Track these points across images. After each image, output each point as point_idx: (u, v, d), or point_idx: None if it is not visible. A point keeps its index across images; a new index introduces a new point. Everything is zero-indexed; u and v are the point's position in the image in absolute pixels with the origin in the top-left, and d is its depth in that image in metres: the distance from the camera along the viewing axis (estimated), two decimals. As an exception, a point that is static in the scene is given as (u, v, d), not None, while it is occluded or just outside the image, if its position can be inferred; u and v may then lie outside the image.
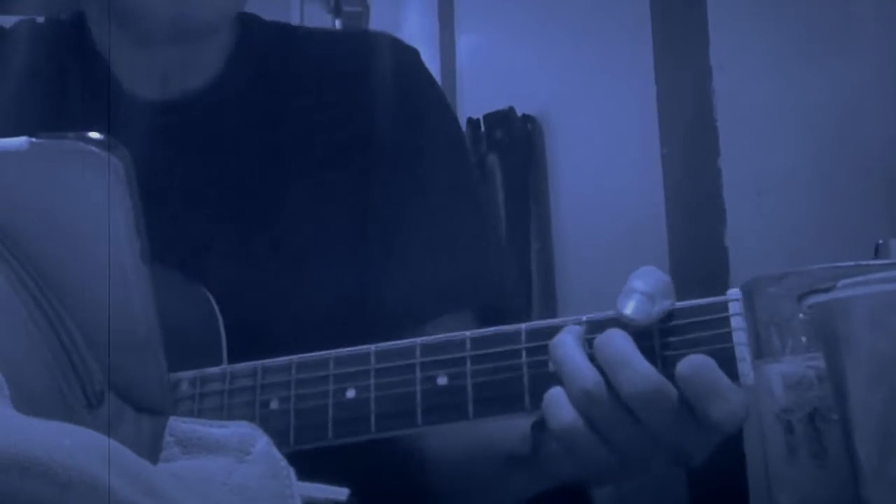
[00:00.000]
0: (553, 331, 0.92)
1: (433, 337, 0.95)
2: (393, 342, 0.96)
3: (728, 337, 0.84)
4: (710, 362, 0.85)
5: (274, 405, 0.96)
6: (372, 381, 0.95)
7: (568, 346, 0.90)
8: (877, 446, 0.57)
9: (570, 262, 2.71)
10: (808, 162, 1.80)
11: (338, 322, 1.17)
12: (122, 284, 0.60)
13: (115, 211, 0.57)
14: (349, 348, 0.97)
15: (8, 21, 1.36)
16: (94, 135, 0.56)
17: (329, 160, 1.25)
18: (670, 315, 0.89)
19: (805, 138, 1.81)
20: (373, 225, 1.24)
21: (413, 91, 1.31)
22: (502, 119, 2.89)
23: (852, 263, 0.63)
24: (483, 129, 2.97)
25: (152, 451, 0.64)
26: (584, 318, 0.92)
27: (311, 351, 0.98)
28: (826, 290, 0.59)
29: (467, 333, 0.95)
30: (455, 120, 1.35)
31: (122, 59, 1.25)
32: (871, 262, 0.63)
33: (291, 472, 0.65)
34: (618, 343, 0.88)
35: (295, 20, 3.74)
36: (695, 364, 0.85)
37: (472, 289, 1.23)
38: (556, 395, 0.89)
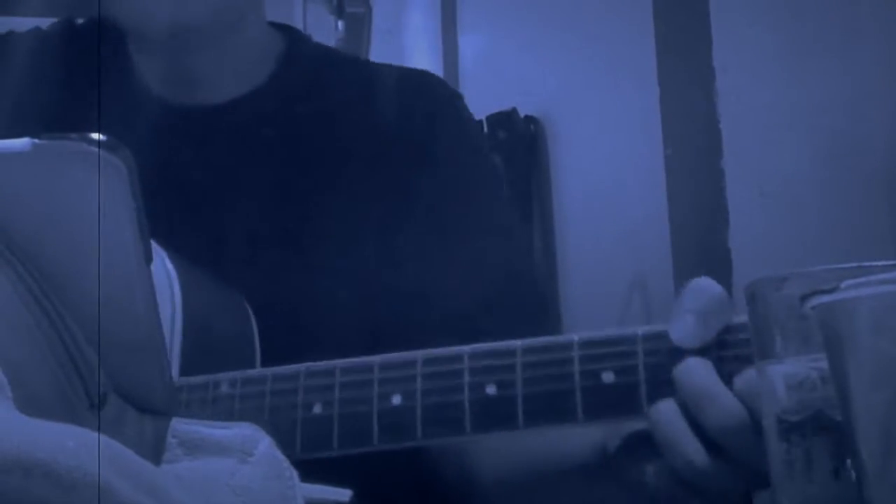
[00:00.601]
0: (607, 343, 0.90)
1: (481, 345, 0.93)
2: (440, 349, 0.94)
3: None
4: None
5: (317, 409, 0.94)
6: (418, 387, 0.93)
7: (674, 418, 0.86)
8: (880, 447, 0.57)
9: (573, 263, 2.71)
10: (811, 163, 1.80)
11: (367, 335, 1.16)
12: (125, 286, 0.60)
13: (117, 212, 0.57)
14: (395, 353, 0.95)
15: (37, 23, 1.37)
16: (97, 136, 0.56)
17: (363, 182, 1.24)
18: (738, 328, 0.87)
19: (808, 139, 1.81)
20: (407, 250, 1.23)
21: (455, 132, 1.30)
22: (505, 120, 2.89)
23: (855, 265, 0.63)
24: (486, 130, 2.97)
25: (155, 452, 0.64)
26: (639, 332, 0.89)
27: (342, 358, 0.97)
28: (829, 292, 0.59)
29: (518, 343, 0.92)
30: (494, 165, 1.35)
31: (150, 63, 1.26)
32: (875, 264, 0.63)
33: (294, 473, 0.65)
34: (698, 377, 0.85)
35: (298, 20, 3.74)
36: (748, 382, 0.82)
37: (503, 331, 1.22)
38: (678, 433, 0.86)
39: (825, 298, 0.59)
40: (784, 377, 0.67)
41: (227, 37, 1.24)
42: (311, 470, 0.69)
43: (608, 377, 0.89)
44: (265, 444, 0.65)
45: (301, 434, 0.94)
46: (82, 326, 0.61)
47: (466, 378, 0.92)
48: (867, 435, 0.57)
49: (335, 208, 1.24)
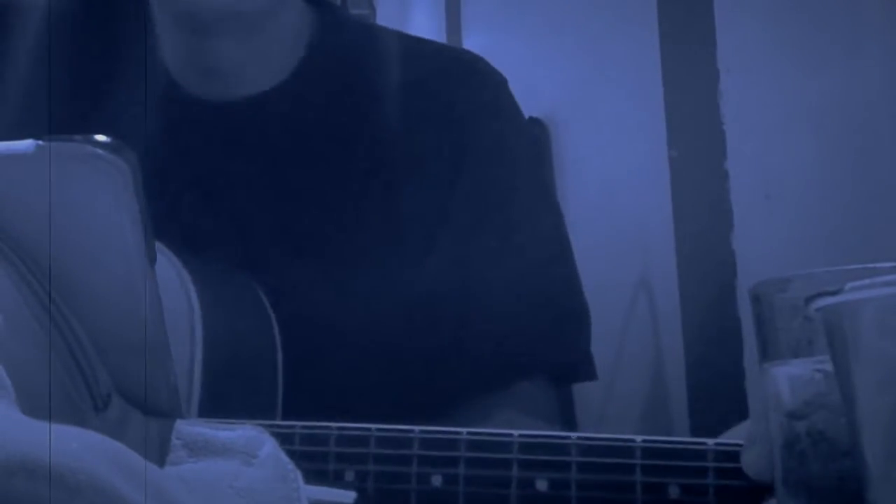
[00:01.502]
0: (673, 452, 0.83)
1: (533, 433, 0.86)
2: (488, 430, 0.87)
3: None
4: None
5: (349, 477, 0.87)
6: (461, 471, 0.86)
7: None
8: (884, 449, 0.57)
9: (578, 265, 2.70)
10: (815, 165, 1.80)
11: (397, 348, 1.13)
12: (130, 288, 0.60)
13: (121, 213, 0.57)
14: (437, 428, 0.88)
15: None
16: (101, 137, 0.56)
17: (396, 177, 1.19)
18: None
19: (813, 141, 1.81)
20: (444, 253, 1.17)
21: (498, 120, 1.24)
22: (509, 122, 2.89)
23: (860, 266, 0.63)
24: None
25: (160, 454, 0.64)
26: (710, 444, 0.82)
27: (366, 370, 0.92)
28: (834, 293, 0.59)
29: (573, 436, 0.85)
30: (539, 154, 1.27)
31: (176, 54, 1.20)
32: (880, 265, 0.63)
33: (299, 475, 0.65)
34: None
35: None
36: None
37: (553, 350, 1.16)
38: None
39: (830, 300, 0.59)
40: (789, 379, 0.66)
41: (258, 25, 1.18)
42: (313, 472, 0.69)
43: (674, 492, 0.82)
44: (269, 445, 0.65)
45: None
46: (86, 328, 0.61)
47: (515, 471, 0.85)
48: (871, 437, 0.57)
49: (365, 209, 1.18)
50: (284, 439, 0.89)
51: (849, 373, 0.58)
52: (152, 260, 0.60)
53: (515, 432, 0.86)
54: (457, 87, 1.23)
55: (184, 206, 1.15)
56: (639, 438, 0.84)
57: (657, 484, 0.82)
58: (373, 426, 0.88)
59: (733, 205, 1.96)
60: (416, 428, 0.87)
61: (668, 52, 2.21)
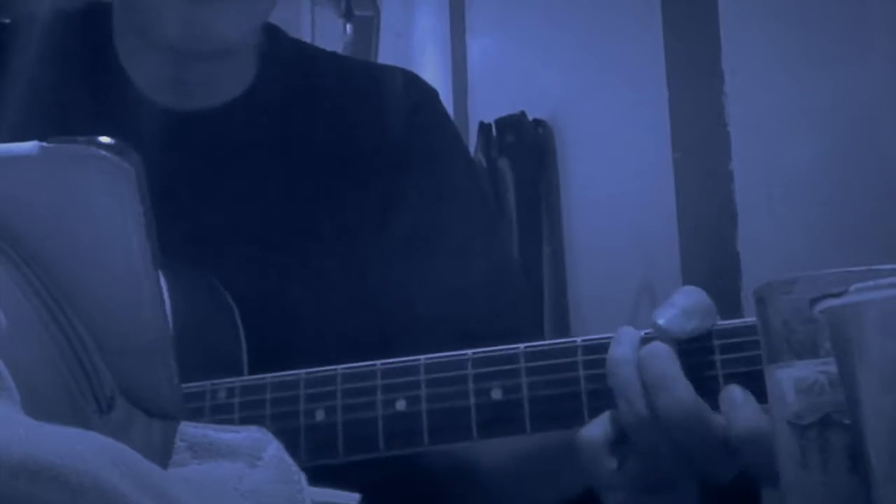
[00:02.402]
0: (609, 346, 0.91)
1: (485, 349, 0.94)
2: (442, 353, 0.94)
3: None
4: (764, 429, 0.84)
5: (320, 417, 0.94)
6: (423, 392, 0.93)
7: (629, 364, 0.89)
8: (888, 451, 0.57)
9: (582, 266, 2.71)
10: (820, 166, 1.80)
11: (356, 341, 1.16)
12: (133, 289, 0.60)
13: (125, 216, 0.57)
14: (397, 359, 0.95)
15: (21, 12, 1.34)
16: (105, 139, 0.56)
17: (347, 182, 1.25)
18: (728, 331, 0.90)
19: (817, 142, 1.81)
20: (393, 249, 1.23)
21: (432, 125, 1.31)
22: (514, 123, 2.89)
23: (864, 268, 0.63)
24: (494, 133, 2.97)
25: (163, 455, 0.64)
26: (642, 333, 0.91)
27: (326, 363, 0.96)
28: (838, 295, 0.59)
29: (521, 346, 0.93)
30: (472, 160, 1.35)
31: (141, 66, 1.24)
32: (884, 267, 0.63)
33: (303, 477, 0.65)
34: (661, 362, 0.88)
35: (306, 24, 3.74)
36: (754, 432, 0.85)
37: (492, 327, 1.20)
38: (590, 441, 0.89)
39: (834, 302, 0.59)
40: (793, 381, 0.66)
41: (238, 50, 1.23)
42: (317, 474, 0.69)
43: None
44: (274, 447, 0.65)
45: (305, 442, 0.93)
46: (90, 330, 0.61)
47: (471, 384, 0.92)
48: (876, 438, 0.57)
49: (320, 210, 1.23)
50: (258, 389, 0.95)
51: (853, 374, 0.58)
52: (156, 262, 0.60)
53: (469, 351, 0.93)
54: (391, 98, 1.30)
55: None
56: (580, 339, 0.92)
57: (600, 375, 0.90)
58: (339, 367, 0.95)
59: (738, 206, 1.96)
60: (379, 362, 0.94)
61: (673, 54, 2.21)
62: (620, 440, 0.89)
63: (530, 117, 2.86)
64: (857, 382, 0.58)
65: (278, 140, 1.25)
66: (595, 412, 0.90)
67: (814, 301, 0.61)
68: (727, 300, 1.89)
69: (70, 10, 1.30)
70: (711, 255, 2.01)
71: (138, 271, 0.59)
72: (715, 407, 0.87)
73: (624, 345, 0.90)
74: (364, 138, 1.27)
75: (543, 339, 1.20)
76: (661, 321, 0.89)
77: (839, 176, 1.76)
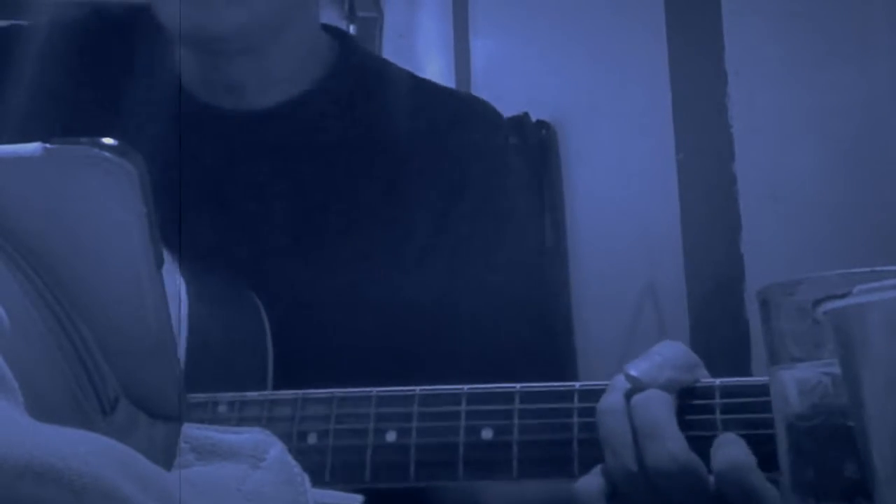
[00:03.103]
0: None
1: (481, 385, 0.92)
2: (439, 386, 0.92)
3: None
4: (749, 463, 0.82)
5: (312, 440, 0.93)
6: (414, 425, 0.91)
7: (619, 413, 0.86)
8: (892, 452, 0.57)
9: (585, 268, 2.70)
10: (824, 168, 1.79)
11: (388, 359, 1.16)
12: (136, 291, 0.60)
13: (128, 217, 0.57)
14: (393, 388, 0.93)
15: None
16: (108, 140, 0.56)
17: (395, 198, 1.25)
18: (733, 389, 0.87)
19: (821, 144, 1.81)
20: (434, 272, 1.23)
21: (494, 164, 1.31)
22: (517, 125, 2.89)
23: (868, 269, 0.63)
24: (498, 134, 2.96)
25: (166, 457, 0.64)
26: (633, 372, 0.88)
27: (357, 377, 0.96)
28: (842, 297, 0.59)
29: (517, 386, 0.91)
30: (527, 192, 1.35)
31: (191, 64, 1.25)
32: (887, 269, 0.63)
33: (306, 478, 0.65)
34: (653, 408, 0.85)
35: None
36: (734, 463, 0.83)
37: (532, 364, 1.21)
38: (587, 493, 0.86)
39: (838, 303, 0.59)
40: (796, 382, 0.66)
41: (268, 42, 1.23)
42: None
43: None
44: (277, 449, 0.65)
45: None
46: (93, 331, 0.61)
47: (463, 420, 0.90)
48: (879, 440, 0.57)
49: (367, 221, 1.23)
50: (257, 405, 0.95)
51: (857, 376, 0.58)
52: (159, 263, 0.60)
53: (465, 386, 0.91)
54: (459, 121, 1.30)
55: (191, 211, 1.18)
56: (577, 384, 0.90)
57: (592, 424, 0.87)
58: (336, 390, 0.94)
59: (741, 208, 1.95)
60: (374, 389, 0.93)
61: (676, 54, 2.21)
62: (615, 493, 0.86)
63: (533, 118, 2.86)
64: (860, 384, 0.58)
65: (330, 147, 1.25)
66: (586, 462, 0.88)
67: (817, 302, 0.61)
68: (730, 302, 1.89)
69: (129, 14, 1.31)
70: (715, 257, 2.01)
71: (141, 272, 0.59)
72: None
73: (615, 392, 0.87)
74: (419, 158, 1.26)
75: (575, 365, 1.19)
76: (632, 371, 0.87)
77: (843, 178, 1.76)
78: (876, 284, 0.58)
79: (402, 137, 1.27)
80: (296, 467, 0.65)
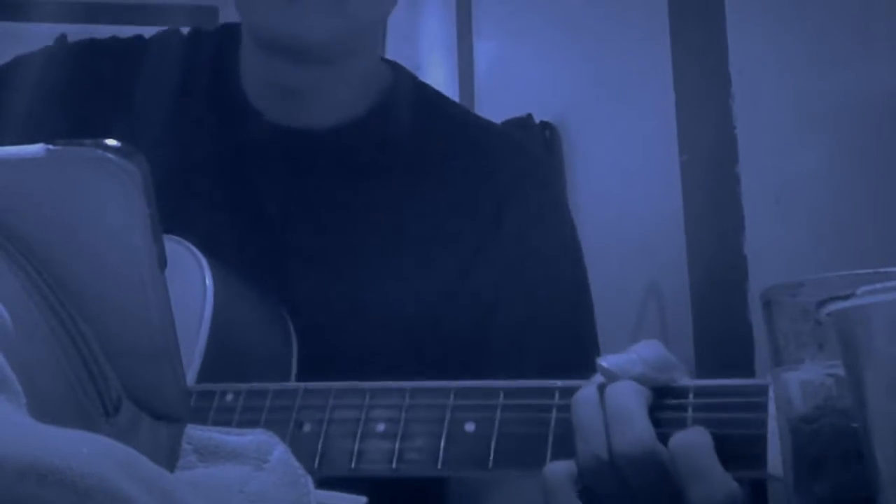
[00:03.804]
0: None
1: (468, 382, 0.95)
2: (430, 381, 0.96)
3: (762, 423, 0.83)
4: (703, 442, 0.83)
5: (307, 428, 0.96)
6: (402, 416, 0.94)
7: (592, 404, 0.88)
8: (895, 454, 0.57)
9: (589, 269, 2.70)
10: (827, 168, 1.79)
11: (417, 371, 1.18)
12: (139, 292, 0.60)
13: (131, 218, 0.57)
14: (386, 382, 0.97)
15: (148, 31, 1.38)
16: (112, 142, 0.56)
17: (436, 227, 1.28)
18: (711, 390, 0.88)
19: (825, 145, 1.81)
20: (475, 286, 1.26)
21: (536, 200, 1.33)
22: (520, 126, 2.89)
23: (872, 271, 0.63)
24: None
25: (169, 458, 0.64)
26: (604, 363, 0.90)
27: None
28: (845, 298, 0.59)
29: (502, 383, 0.94)
30: (568, 233, 1.36)
31: (256, 81, 1.29)
32: (891, 270, 0.63)
33: (309, 480, 0.65)
34: (623, 397, 0.87)
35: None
36: (687, 442, 0.84)
37: None
38: (555, 475, 0.88)
39: (841, 305, 0.59)
40: (800, 384, 0.66)
41: (343, 61, 1.26)
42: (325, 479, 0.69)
43: None
44: (280, 450, 0.65)
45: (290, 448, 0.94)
46: (96, 332, 0.61)
47: (448, 413, 0.93)
48: (883, 441, 0.57)
49: (402, 248, 1.27)
50: (261, 395, 0.97)
51: (860, 377, 0.58)
52: (162, 265, 0.60)
53: (453, 383, 0.95)
54: (505, 156, 1.34)
55: (235, 224, 1.22)
56: (559, 382, 0.92)
57: (568, 419, 0.89)
58: (334, 383, 0.97)
59: (745, 209, 1.95)
60: (368, 384, 0.96)
61: (680, 55, 2.21)
62: (584, 486, 0.88)
63: (537, 120, 2.86)
64: (863, 385, 0.58)
65: (380, 172, 1.29)
66: (560, 456, 0.89)
67: (821, 304, 0.61)
68: (734, 303, 1.89)
69: (203, 31, 1.34)
70: (718, 258, 2.01)
71: (144, 273, 0.59)
72: None
73: (590, 385, 0.89)
74: (464, 190, 1.29)
75: None
76: (604, 363, 0.88)
77: (847, 179, 1.76)
78: (879, 286, 0.57)
79: (446, 169, 1.30)
80: (300, 469, 0.65)
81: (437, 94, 1.41)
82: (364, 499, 0.68)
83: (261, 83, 1.29)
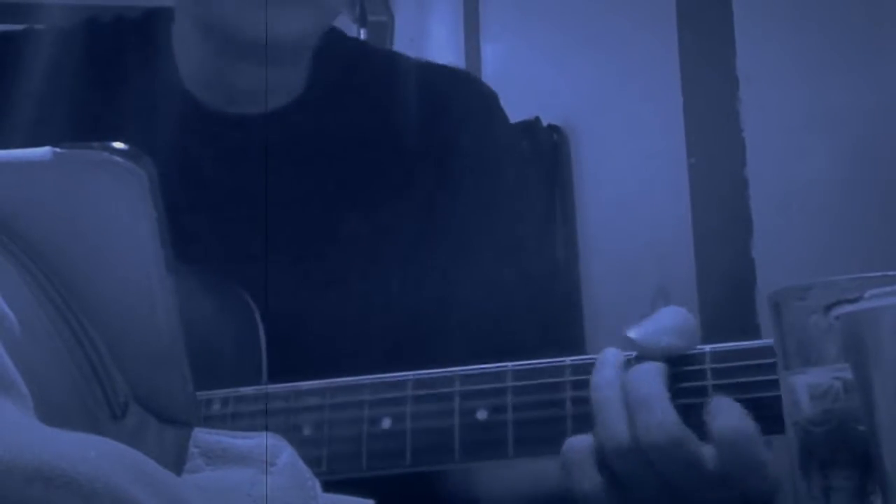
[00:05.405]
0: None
1: (473, 367, 0.91)
2: (431, 370, 0.92)
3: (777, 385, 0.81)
4: (748, 430, 0.82)
5: (307, 431, 0.93)
6: (408, 410, 0.91)
7: (612, 388, 0.85)
8: (904, 458, 0.57)
9: (596, 272, 2.70)
10: (835, 172, 1.79)
11: (390, 349, 1.16)
12: (147, 295, 0.60)
13: (138, 221, 0.57)
14: (386, 374, 0.93)
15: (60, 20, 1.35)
16: (118, 144, 0.56)
17: (390, 186, 1.24)
18: (725, 354, 0.86)
19: (832, 148, 1.80)
20: (435, 258, 1.22)
21: (489, 130, 1.29)
22: (528, 129, 2.88)
23: (880, 274, 0.63)
24: (509, 138, 2.96)
25: (177, 462, 0.64)
26: (633, 356, 0.88)
27: (351, 371, 0.95)
28: (853, 301, 0.59)
29: (509, 365, 0.90)
30: (526, 167, 1.33)
31: (197, 69, 1.24)
32: (899, 273, 0.62)
33: (317, 483, 0.65)
34: (646, 381, 0.84)
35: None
36: (736, 432, 0.82)
37: (534, 340, 1.19)
38: (576, 451, 0.86)
39: (849, 308, 0.59)
40: (808, 387, 0.66)
41: (306, 49, 1.23)
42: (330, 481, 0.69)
43: None
44: (287, 454, 0.65)
45: None
46: (103, 336, 0.61)
47: (457, 403, 0.90)
48: (891, 445, 0.57)
49: (361, 216, 1.23)
50: (251, 400, 0.94)
51: (868, 381, 0.58)
52: (169, 267, 0.60)
53: (458, 369, 0.91)
54: (448, 95, 1.29)
55: (187, 213, 1.19)
56: (569, 359, 0.89)
57: (587, 398, 0.86)
58: (329, 380, 0.94)
59: (753, 212, 1.95)
60: (366, 377, 0.93)
61: (688, 59, 2.20)
62: (612, 474, 0.85)
63: (545, 123, 2.85)
64: (872, 388, 0.58)
65: (324, 147, 1.25)
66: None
67: (829, 307, 0.61)
68: (742, 306, 1.89)
69: (131, 16, 1.31)
70: (726, 261, 2.01)
71: (151, 277, 0.59)
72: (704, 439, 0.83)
73: (608, 367, 0.87)
74: (412, 140, 1.25)
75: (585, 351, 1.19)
76: (632, 334, 0.87)
77: (855, 181, 1.76)
78: (888, 289, 0.57)
79: (390, 125, 1.26)
80: (307, 472, 0.65)
81: (369, 48, 1.38)
82: (371, 502, 0.68)
83: (203, 79, 1.24)
